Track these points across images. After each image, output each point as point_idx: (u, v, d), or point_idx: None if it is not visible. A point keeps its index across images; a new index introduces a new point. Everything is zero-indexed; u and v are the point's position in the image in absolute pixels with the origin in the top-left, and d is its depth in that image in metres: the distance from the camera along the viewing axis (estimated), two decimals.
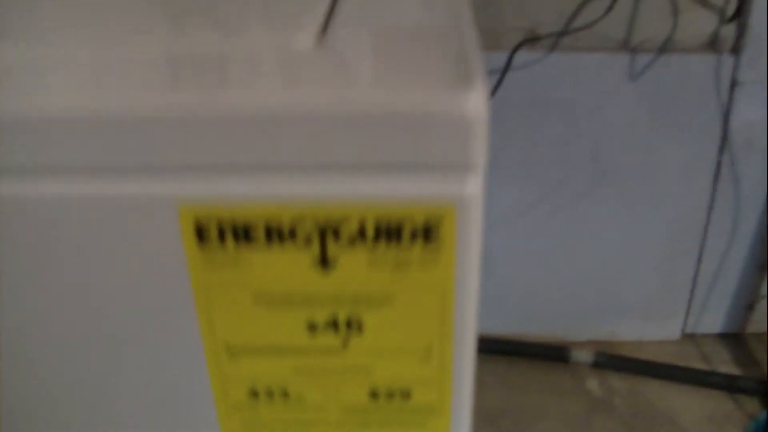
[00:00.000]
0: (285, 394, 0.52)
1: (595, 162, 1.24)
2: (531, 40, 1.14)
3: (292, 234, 0.45)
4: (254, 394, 0.52)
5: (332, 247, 0.45)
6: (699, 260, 1.38)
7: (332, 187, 0.44)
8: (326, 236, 0.45)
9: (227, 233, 0.45)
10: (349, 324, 0.48)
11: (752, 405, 1.36)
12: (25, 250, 0.46)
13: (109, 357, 0.51)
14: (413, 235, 0.45)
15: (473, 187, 0.44)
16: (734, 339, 1.50)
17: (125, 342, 0.50)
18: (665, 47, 1.18)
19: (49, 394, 0.53)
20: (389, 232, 0.45)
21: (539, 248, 1.36)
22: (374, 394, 0.51)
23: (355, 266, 0.46)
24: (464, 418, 0.53)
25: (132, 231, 0.46)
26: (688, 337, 1.51)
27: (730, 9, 1.16)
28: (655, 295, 1.41)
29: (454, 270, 0.46)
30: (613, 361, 1.38)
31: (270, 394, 0.52)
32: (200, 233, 0.45)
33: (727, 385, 1.36)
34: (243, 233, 0.45)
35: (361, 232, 0.45)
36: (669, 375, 1.37)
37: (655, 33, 1.17)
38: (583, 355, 1.38)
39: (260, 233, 0.45)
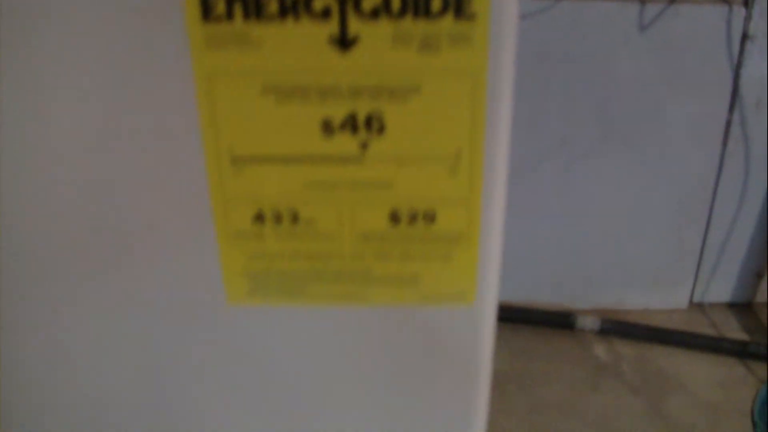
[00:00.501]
0: (294, 218, 0.46)
1: (602, 118, 1.20)
2: None
3: (308, 5, 0.40)
4: (259, 217, 0.46)
5: (353, 21, 0.40)
6: (708, 225, 1.34)
7: None
8: (346, 6, 0.40)
9: (236, 4, 0.40)
10: (368, 123, 0.43)
11: (763, 370, 1.31)
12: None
13: (99, 162, 0.45)
14: (443, 6, 0.40)
15: None
16: (744, 308, 1.45)
17: (115, 141, 0.44)
18: None
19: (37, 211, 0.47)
20: (417, 2, 0.40)
21: (544, 210, 1.31)
22: (395, 217, 0.46)
23: (377, 45, 0.41)
24: (494, 253, 0.48)
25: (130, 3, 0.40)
26: (697, 306, 1.46)
27: None
28: (663, 261, 1.36)
29: (488, 51, 0.41)
30: (620, 327, 1.33)
31: (278, 217, 0.46)
32: (206, 5, 0.40)
33: (738, 350, 1.31)
34: (254, 4, 0.40)
35: (386, 4, 0.40)
36: (677, 341, 1.32)
37: None
38: (589, 322, 1.33)
39: (273, 3, 0.40)
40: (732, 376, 1.27)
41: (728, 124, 1.21)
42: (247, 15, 0.40)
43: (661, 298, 1.38)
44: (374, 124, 0.43)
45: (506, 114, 0.44)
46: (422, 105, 0.43)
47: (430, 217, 0.47)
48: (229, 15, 0.40)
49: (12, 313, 0.50)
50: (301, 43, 0.41)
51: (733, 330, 1.36)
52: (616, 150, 1.21)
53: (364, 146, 0.44)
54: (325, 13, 0.40)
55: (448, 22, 0.41)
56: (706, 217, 1.30)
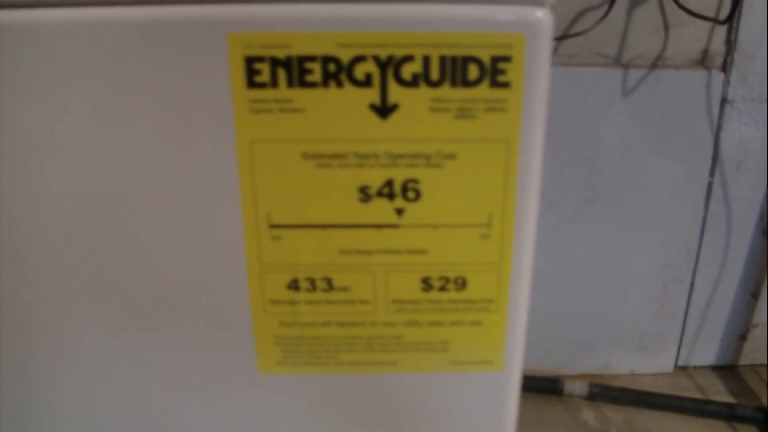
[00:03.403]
0: (329, 285, 0.46)
1: (589, 180, 1.22)
2: None
3: (351, 73, 0.41)
4: (294, 285, 0.46)
5: (393, 88, 0.41)
6: (691, 287, 1.36)
7: (396, 18, 0.41)
8: (387, 75, 0.41)
9: (280, 72, 0.41)
10: (405, 189, 0.44)
11: None
12: (69, 75, 0.42)
13: (139, 225, 0.45)
14: (480, 75, 0.41)
15: (543, 18, 0.41)
16: (728, 371, 1.47)
17: (156, 203, 0.44)
18: (657, 63, 1.19)
19: (76, 263, 0.46)
20: (454, 71, 0.41)
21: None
22: (427, 283, 0.46)
23: (416, 112, 0.42)
24: (521, 319, 0.49)
25: (177, 65, 0.41)
26: (682, 370, 1.47)
27: (720, 27, 1.17)
28: (648, 324, 1.37)
29: (521, 118, 0.42)
30: (608, 392, 1.33)
31: (312, 283, 0.46)
32: (251, 71, 0.41)
33: (726, 413, 1.31)
34: (298, 72, 0.41)
35: (425, 73, 0.42)
36: (666, 405, 1.32)
37: (647, 48, 1.18)
38: (577, 387, 1.33)
39: (317, 71, 0.41)
40: None
41: (710, 186, 1.24)
42: (291, 82, 0.41)
43: (647, 361, 1.39)
44: (410, 191, 0.44)
45: (536, 179, 0.45)
46: (457, 171, 0.44)
47: (461, 284, 0.47)
48: (274, 82, 0.41)
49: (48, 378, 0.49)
50: (342, 110, 0.42)
51: (719, 393, 1.37)
52: (602, 212, 1.23)
53: (399, 213, 0.45)
54: (367, 81, 0.41)
55: (484, 90, 0.42)
56: (689, 279, 1.32)
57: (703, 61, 1.23)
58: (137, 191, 0.44)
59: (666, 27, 1.20)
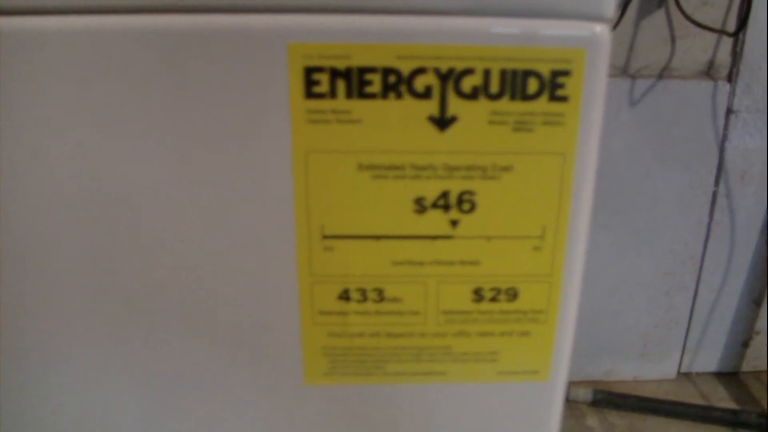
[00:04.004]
0: (380, 296, 0.46)
1: (598, 189, 1.22)
2: None
3: (411, 85, 0.41)
4: (345, 296, 0.46)
5: (453, 101, 0.41)
6: (695, 295, 1.36)
7: (458, 31, 0.41)
8: (447, 87, 0.41)
9: (339, 83, 0.41)
10: (460, 201, 0.44)
11: None
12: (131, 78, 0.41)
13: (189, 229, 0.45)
14: (539, 89, 0.41)
15: (602, 33, 0.41)
16: (731, 377, 1.48)
17: (205, 216, 0.44)
18: (663, 74, 1.20)
19: (132, 280, 0.46)
20: (514, 85, 0.41)
21: None
22: (478, 294, 0.46)
23: (474, 124, 0.42)
24: (569, 330, 0.49)
25: (235, 74, 0.41)
26: (685, 376, 1.47)
27: (726, 39, 1.18)
28: (652, 331, 1.38)
29: (578, 131, 0.42)
30: (613, 398, 1.34)
31: (363, 294, 0.46)
32: (310, 82, 0.41)
33: (729, 419, 1.32)
34: (357, 83, 0.41)
35: (485, 86, 0.41)
36: (671, 411, 1.33)
37: (654, 59, 1.19)
38: (582, 393, 1.33)
39: (377, 82, 0.41)
40: None
41: (714, 195, 1.24)
42: (350, 93, 0.41)
43: (650, 368, 1.39)
44: (465, 203, 0.44)
45: (589, 192, 0.45)
46: (513, 184, 0.44)
47: (513, 295, 0.47)
48: (333, 93, 0.41)
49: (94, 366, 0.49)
50: (400, 122, 0.42)
51: (722, 399, 1.38)
52: (609, 220, 1.24)
53: (454, 224, 0.44)
54: (427, 93, 0.41)
55: (542, 103, 0.42)
56: (693, 287, 1.33)
57: (709, 72, 1.24)
58: (187, 200, 0.43)
59: (673, 38, 1.21)
